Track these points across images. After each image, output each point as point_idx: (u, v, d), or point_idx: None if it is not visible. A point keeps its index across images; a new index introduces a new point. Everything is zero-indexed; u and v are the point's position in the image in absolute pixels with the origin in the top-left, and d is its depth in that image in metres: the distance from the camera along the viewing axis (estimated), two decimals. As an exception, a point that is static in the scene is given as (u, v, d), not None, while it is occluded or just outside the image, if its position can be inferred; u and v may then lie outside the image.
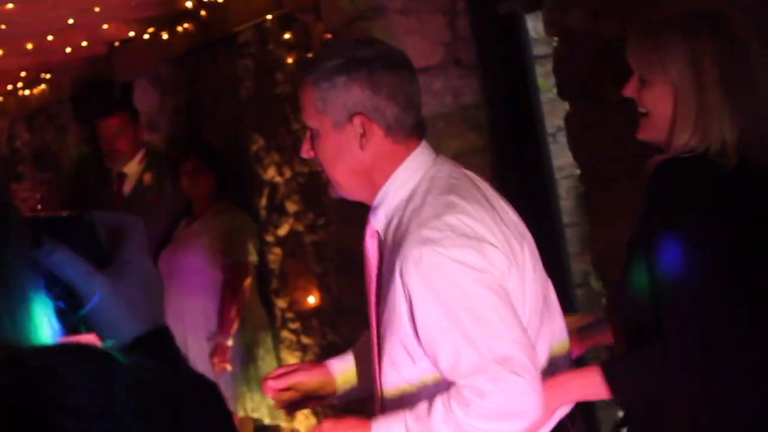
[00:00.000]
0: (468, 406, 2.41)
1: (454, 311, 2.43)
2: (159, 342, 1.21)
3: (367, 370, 2.87)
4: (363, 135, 2.58)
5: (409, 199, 2.58)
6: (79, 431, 0.94)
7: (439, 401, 2.45)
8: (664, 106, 2.59)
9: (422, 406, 2.47)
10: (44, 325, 1.08)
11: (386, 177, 2.62)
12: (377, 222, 2.65)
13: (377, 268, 2.67)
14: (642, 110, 2.65)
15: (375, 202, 2.65)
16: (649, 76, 2.60)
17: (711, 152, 2.51)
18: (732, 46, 2.55)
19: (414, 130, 2.63)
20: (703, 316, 2.44)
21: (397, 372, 2.58)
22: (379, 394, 2.66)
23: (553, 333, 2.68)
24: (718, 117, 2.52)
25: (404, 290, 2.48)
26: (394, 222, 2.59)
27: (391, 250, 2.58)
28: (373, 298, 2.69)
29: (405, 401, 2.54)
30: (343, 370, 2.92)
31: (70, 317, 1.19)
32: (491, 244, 2.48)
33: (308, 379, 2.88)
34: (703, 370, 2.46)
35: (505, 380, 2.40)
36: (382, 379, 2.63)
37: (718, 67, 2.53)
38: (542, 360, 2.62)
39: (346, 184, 2.66)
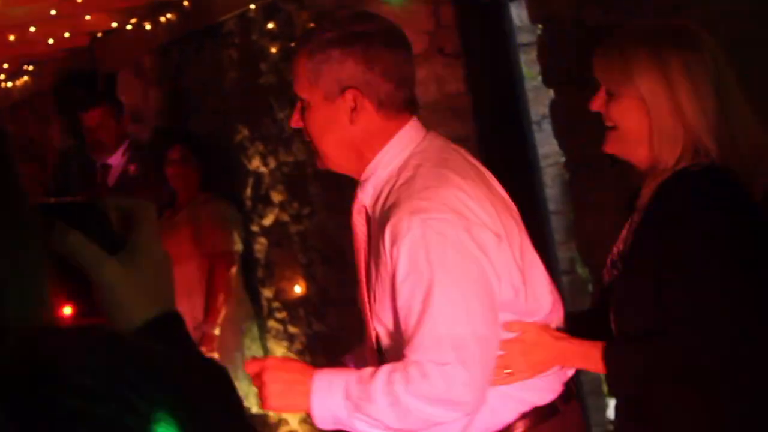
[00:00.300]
0: (409, 383, 2.40)
1: (428, 285, 2.42)
2: (169, 326, 1.21)
3: None
4: (354, 109, 2.57)
5: (399, 171, 2.57)
6: (85, 412, 0.94)
7: (383, 370, 2.44)
8: (632, 121, 2.58)
9: (367, 371, 2.47)
10: (52, 307, 1.09)
11: (376, 151, 2.60)
12: (365, 196, 2.64)
13: (366, 242, 2.66)
14: (609, 124, 2.64)
15: (364, 176, 2.64)
16: (617, 90, 2.59)
17: (717, 163, 2.52)
18: (699, 59, 2.55)
19: (406, 106, 2.61)
20: (721, 326, 2.45)
21: (393, 340, 2.58)
22: (376, 361, 2.65)
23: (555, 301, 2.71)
24: (701, 131, 2.52)
25: (390, 258, 2.47)
26: (384, 194, 2.57)
27: (379, 221, 2.56)
28: (363, 271, 2.68)
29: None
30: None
31: (81, 302, 1.20)
32: (481, 221, 2.47)
33: None
34: (713, 371, 2.47)
35: (451, 367, 2.39)
36: (381, 348, 2.62)
37: (689, 81, 2.53)
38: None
39: (333, 156, 2.65)
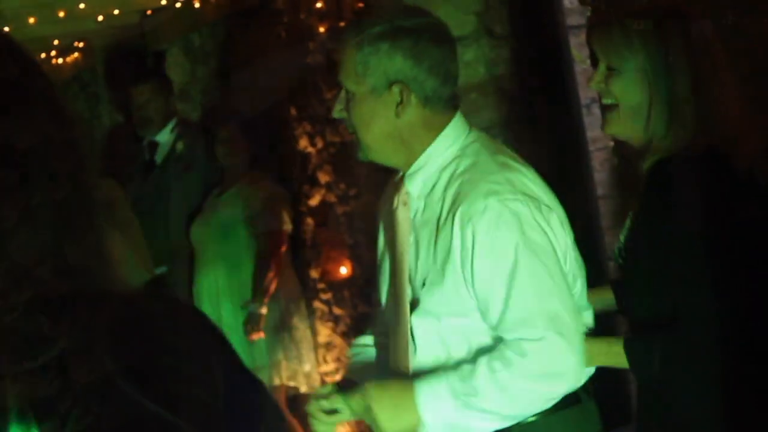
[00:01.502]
0: (511, 366, 2.45)
1: (511, 263, 2.47)
2: (167, 287, 1.26)
3: None
4: (400, 103, 2.61)
5: (456, 160, 2.61)
6: (176, 369, 1.01)
7: (483, 362, 2.48)
8: (635, 96, 2.60)
9: (466, 367, 2.51)
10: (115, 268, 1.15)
11: (425, 143, 2.65)
12: (414, 187, 2.67)
13: (411, 232, 2.67)
14: (608, 101, 2.66)
15: (413, 168, 2.67)
16: (619, 65, 2.61)
17: (717, 150, 2.53)
18: (697, 39, 2.57)
19: (450, 101, 2.66)
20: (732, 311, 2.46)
21: (436, 325, 2.59)
22: (408, 353, 2.65)
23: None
24: (689, 108, 2.55)
25: (463, 241, 2.49)
26: (441, 182, 2.61)
27: (438, 208, 2.59)
28: (404, 261, 2.68)
29: (441, 355, 2.58)
30: None
31: None
32: (547, 205, 2.54)
33: None
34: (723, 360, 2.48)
35: (548, 339, 2.44)
36: (417, 334, 2.63)
37: (686, 58, 2.55)
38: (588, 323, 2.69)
39: (377, 148, 2.68)
